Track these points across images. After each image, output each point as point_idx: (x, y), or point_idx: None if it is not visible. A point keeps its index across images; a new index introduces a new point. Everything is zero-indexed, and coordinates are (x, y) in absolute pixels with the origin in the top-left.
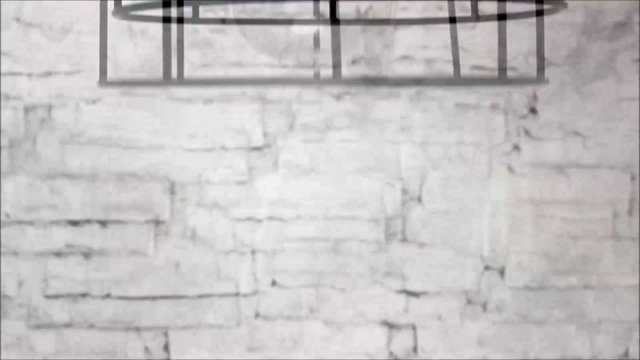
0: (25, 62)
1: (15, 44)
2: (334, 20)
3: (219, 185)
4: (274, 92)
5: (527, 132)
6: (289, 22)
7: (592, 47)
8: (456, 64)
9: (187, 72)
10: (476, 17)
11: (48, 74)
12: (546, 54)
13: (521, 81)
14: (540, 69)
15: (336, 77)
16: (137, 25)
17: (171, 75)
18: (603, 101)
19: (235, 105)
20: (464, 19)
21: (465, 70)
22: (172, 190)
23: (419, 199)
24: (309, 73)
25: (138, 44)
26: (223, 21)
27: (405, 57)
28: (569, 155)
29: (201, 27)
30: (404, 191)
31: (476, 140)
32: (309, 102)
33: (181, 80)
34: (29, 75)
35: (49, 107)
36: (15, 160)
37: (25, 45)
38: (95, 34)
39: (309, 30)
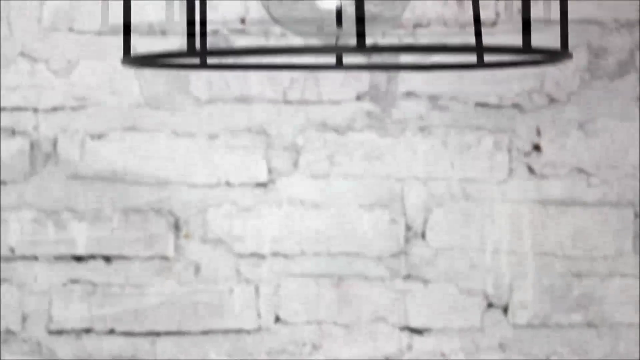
0: (31, 98)
1: (21, 79)
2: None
3: (223, 221)
4: (279, 128)
5: (530, 169)
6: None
7: (595, 84)
8: (478, 34)
9: (192, 107)
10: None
11: (54, 109)
12: (549, 90)
13: (545, 52)
14: (564, 44)
15: (360, 46)
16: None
17: (195, 48)
18: (607, 138)
19: (239, 140)
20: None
21: (468, 108)
22: (176, 225)
23: (423, 236)
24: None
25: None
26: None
27: (410, 93)
28: (573, 192)
29: (220, 27)
30: (408, 227)
31: (480, 177)
32: (313, 138)
33: (205, 52)
34: (35, 110)
35: (54, 142)
36: (21, 195)
37: (31, 80)
38: (101, 69)
39: (332, 4)
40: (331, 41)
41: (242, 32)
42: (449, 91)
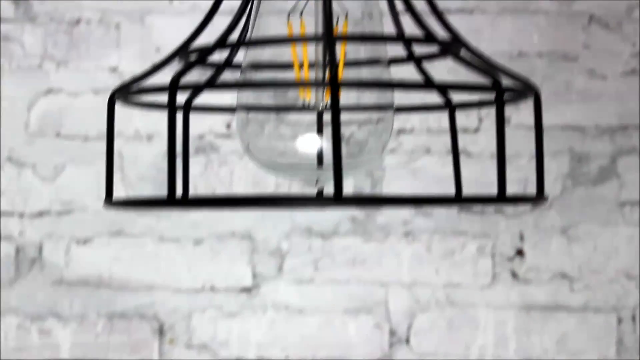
0: (17, 202)
1: (8, 183)
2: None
3: (208, 326)
4: (263, 232)
5: (514, 275)
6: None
7: (577, 190)
8: (458, 184)
9: (178, 212)
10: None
11: (40, 214)
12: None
13: (522, 200)
14: (540, 188)
15: (337, 198)
16: (130, 171)
17: (175, 195)
18: (590, 244)
19: (225, 245)
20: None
21: (452, 213)
22: (161, 331)
23: (407, 341)
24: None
25: (127, 181)
26: (228, 126)
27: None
28: (557, 297)
29: (207, 132)
30: (392, 333)
31: (464, 282)
32: (298, 244)
33: (186, 201)
34: (21, 215)
35: (40, 247)
36: (5, 301)
37: (17, 185)
38: (86, 174)
39: (313, 148)
40: (312, 179)
41: (227, 136)
42: (435, 189)
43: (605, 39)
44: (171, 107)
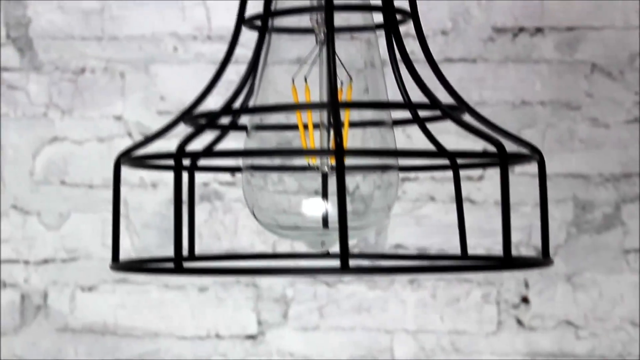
0: (22, 250)
1: (13, 231)
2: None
3: None
4: (268, 279)
5: (519, 322)
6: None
7: (582, 237)
8: (463, 244)
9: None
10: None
11: (45, 261)
12: (536, 243)
13: (527, 264)
14: (545, 250)
15: (344, 268)
16: (135, 219)
17: (182, 262)
18: (595, 291)
19: (229, 293)
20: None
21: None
22: None
23: None
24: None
25: (135, 236)
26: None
27: (399, 246)
28: (562, 345)
29: (211, 180)
30: None
31: (469, 329)
32: (303, 291)
33: (192, 270)
34: (26, 262)
35: (45, 295)
36: (10, 348)
37: (22, 232)
38: (91, 221)
39: (319, 212)
40: (317, 242)
41: (232, 184)
42: (438, 244)
43: (607, 87)
44: (177, 175)
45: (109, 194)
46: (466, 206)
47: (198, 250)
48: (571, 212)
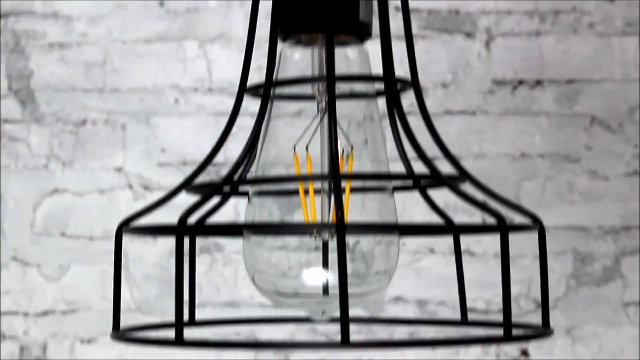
0: (22, 302)
1: (13, 283)
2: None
3: None
4: (267, 332)
5: None
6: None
7: (581, 290)
8: (463, 308)
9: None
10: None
11: (44, 313)
12: (535, 295)
13: (528, 337)
14: (546, 319)
15: (344, 342)
16: (135, 270)
17: (182, 335)
18: (594, 344)
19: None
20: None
21: (457, 313)
22: None
23: None
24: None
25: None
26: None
27: (398, 298)
28: None
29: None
30: None
31: None
32: (302, 345)
33: (194, 342)
34: (26, 314)
35: (44, 347)
36: None
37: (22, 284)
38: (91, 273)
39: (319, 281)
40: (317, 311)
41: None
42: (437, 296)
43: (607, 140)
44: (179, 248)
45: (109, 245)
46: (466, 259)
47: (198, 301)
48: (571, 265)
